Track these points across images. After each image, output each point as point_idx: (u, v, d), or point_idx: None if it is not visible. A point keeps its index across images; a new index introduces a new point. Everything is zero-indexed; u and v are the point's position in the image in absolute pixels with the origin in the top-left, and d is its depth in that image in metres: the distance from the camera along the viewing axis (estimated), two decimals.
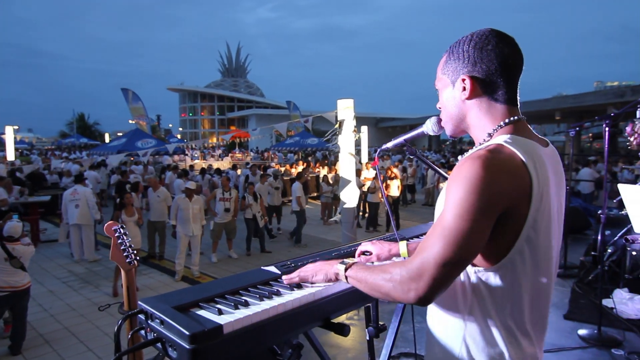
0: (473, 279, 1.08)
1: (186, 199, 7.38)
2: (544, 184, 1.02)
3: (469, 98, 1.12)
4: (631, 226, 4.37)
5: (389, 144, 1.57)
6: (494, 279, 1.05)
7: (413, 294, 0.99)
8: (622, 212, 5.23)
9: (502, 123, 1.10)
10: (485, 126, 1.13)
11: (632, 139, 3.34)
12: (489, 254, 1.04)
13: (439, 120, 1.33)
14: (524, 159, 1.00)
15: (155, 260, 8.37)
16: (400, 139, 1.51)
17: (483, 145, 1.08)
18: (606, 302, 3.87)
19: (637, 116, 4.05)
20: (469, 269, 1.08)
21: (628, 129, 3.44)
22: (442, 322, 1.16)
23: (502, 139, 1.05)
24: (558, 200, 1.11)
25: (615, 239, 4.76)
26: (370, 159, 16.46)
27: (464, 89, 1.12)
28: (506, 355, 1.07)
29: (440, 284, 0.98)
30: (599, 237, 4.59)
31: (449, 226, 0.97)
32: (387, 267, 1.08)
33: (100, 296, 6.52)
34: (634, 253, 4.64)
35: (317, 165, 18.42)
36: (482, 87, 1.10)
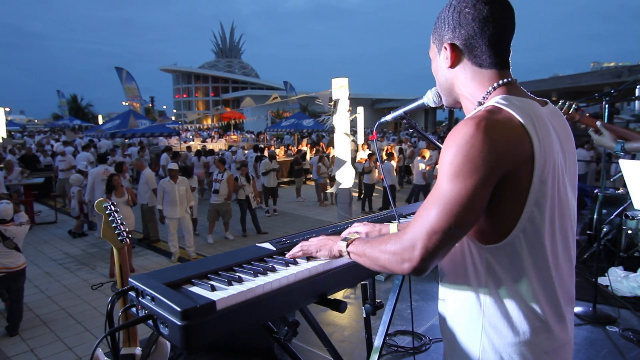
0: (485, 258, 0.99)
1: (171, 181, 7.26)
2: (547, 145, 0.94)
3: (452, 66, 1.07)
4: (627, 205, 4.38)
5: (388, 117, 1.53)
6: (508, 256, 0.96)
7: (407, 265, 0.94)
8: (618, 191, 5.23)
9: (490, 88, 1.03)
10: (473, 94, 1.06)
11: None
12: (497, 227, 0.96)
13: None
14: (521, 120, 0.92)
15: (153, 242, 8.34)
16: (400, 111, 1.47)
17: (475, 110, 1.01)
18: (601, 280, 3.89)
19: (637, 94, 4.00)
20: (479, 247, 0.99)
21: None
22: (456, 310, 1.07)
23: (494, 100, 0.98)
24: (567, 159, 1.03)
25: (611, 217, 4.76)
26: (367, 137, 16.39)
27: (447, 57, 1.07)
28: (536, 344, 0.97)
29: (434, 253, 0.92)
30: (595, 216, 4.61)
31: (443, 192, 0.91)
32: (384, 239, 1.04)
33: (97, 277, 6.51)
34: (629, 232, 4.66)
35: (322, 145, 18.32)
36: (463, 54, 1.05)
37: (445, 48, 1.06)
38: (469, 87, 1.07)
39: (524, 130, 0.92)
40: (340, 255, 1.24)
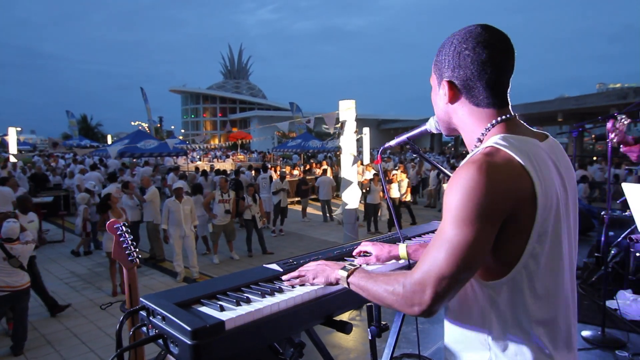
0: (488, 294, 1.01)
1: (176, 200, 7.33)
2: (548, 183, 0.97)
3: (450, 102, 1.10)
4: (635, 227, 4.34)
5: (392, 142, 1.57)
6: (510, 291, 0.99)
7: (417, 308, 0.96)
8: (626, 213, 5.19)
9: (489, 125, 1.05)
10: (472, 130, 1.09)
11: (612, 135, 3.15)
12: (500, 264, 0.99)
13: None
14: (521, 161, 0.95)
15: (159, 262, 8.35)
16: (403, 137, 1.51)
17: (475, 150, 1.03)
18: (610, 304, 3.84)
19: None
20: (481, 283, 1.02)
21: (609, 125, 3.21)
22: (463, 344, 1.09)
23: (493, 140, 1.00)
24: (568, 191, 1.05)
25: (619, 239, 4.72)
26: (373, 159, 16.47)
27: (445, 94, 1.09)
28: None
29: (444, 296, 0.95)
30: (602, 238, 4.57)
31: (449, 237, 0.93)
32: (389, 279, 1.04)
33: (103, 297, 6.53)
34: (638, 254, 4.61)
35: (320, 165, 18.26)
36: (461, 92, 1.07)
37: (444, 85, 1.09)
38: (466, 123, 1.10)
39: (524, 170, 0.94)
40: (337, 283, 1.23)
